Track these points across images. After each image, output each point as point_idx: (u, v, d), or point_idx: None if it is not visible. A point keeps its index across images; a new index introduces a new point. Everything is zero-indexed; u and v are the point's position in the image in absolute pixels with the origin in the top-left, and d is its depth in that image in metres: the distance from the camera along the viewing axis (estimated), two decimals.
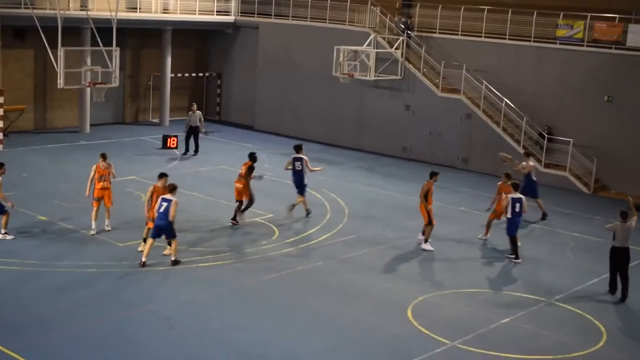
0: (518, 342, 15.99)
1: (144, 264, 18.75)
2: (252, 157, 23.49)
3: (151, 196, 19.53)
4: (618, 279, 18.82)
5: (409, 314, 17.04)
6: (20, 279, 17.76)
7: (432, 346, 15.49)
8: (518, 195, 20.96)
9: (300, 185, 24.08)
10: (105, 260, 19.16)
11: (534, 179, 25.52)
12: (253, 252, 20.55)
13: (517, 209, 20.76)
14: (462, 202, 26.91)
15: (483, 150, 32.04)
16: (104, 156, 21.31)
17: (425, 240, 21.55)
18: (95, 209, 21.21)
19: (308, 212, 24.07)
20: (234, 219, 22.88)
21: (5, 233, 20.15)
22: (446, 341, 15.72)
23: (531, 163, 25.70)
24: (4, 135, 31.69)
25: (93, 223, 21.19)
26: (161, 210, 18.61)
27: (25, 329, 15.18)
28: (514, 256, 21.05)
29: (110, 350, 14.56)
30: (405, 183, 29.38)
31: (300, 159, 23.93)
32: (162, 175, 19.81)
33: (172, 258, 19.03)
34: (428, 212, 21.29)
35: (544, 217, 25.40)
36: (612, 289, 18.92)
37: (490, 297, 18.46)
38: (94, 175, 21.09)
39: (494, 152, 31.25)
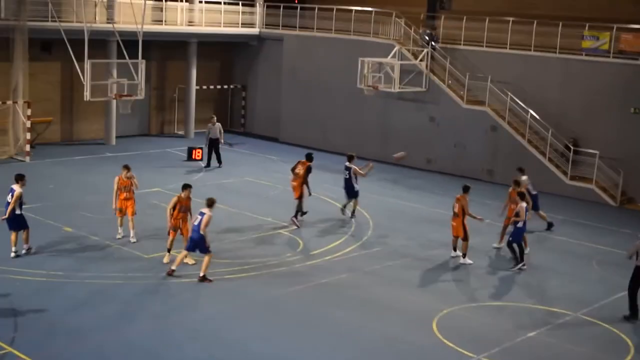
0: (543, 357, 15.87)
1: (172, 273, 18.78)
2: (309, 157, 24.71)
3: (174, 206, 19.62)
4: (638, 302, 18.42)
5: (434, 326, 16.96)
6: (46, 289, 17.87)
7: (456, 359, 15.40)
8: (525, 204, 21.11)
9: (349, 193, 25.29)
10: (130, 271, 19.23)
11: (533, 192, 25.10)
12: (277, 264, 20.55)
13: (526, 218, 21.06)
14: (486, 214, 26.69)
15: (508, 162, 31.85)
16: (127, 167, 21.51)
17: (464, 255, 21.52)
18: (119, 219, 21.50)
19: (352, 214, 25.35)
20: (294, 216, 24.14)
21: (29, 248, 20.18)
22: (472, 355, 15.62)
23: (524, 178, 25.33)
24: (31, 147, 31.97)
25: (119, 228, 21.63)
26: (196, 223, 18.56)
27: (50, 339, 15.27)
28: (522, 263, 21.11)
29: None
30: (430, 195, 29.31)
31: (349, 169, 25.04)
32: (186, 187, 19.88)
33: (201, 274, 18.79)
34: (465, 227, 21.29)
35: (550, 226, 25.44)
36: (634, 312, 18.13)
37: (516, 310, 18.34)
38: (117, 187, 21.32)
39: (520, 164, 31.16)
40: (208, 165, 32.05)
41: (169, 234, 19.89)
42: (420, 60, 33.79)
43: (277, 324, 16.78)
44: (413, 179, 32.34)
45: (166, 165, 32.24)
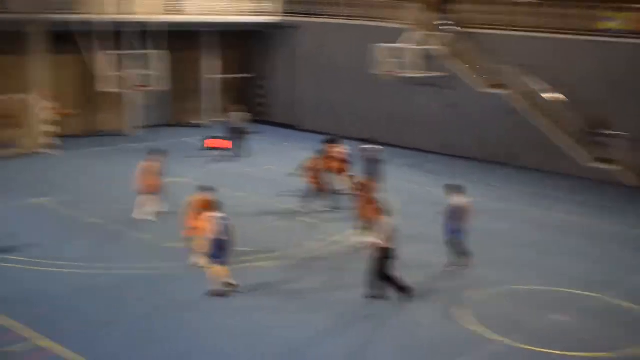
0: (569, 339, 15.90)
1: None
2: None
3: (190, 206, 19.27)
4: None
5: (457, 310, 17.08)
6: (73, 280, 18.16)
7: (480, 343, 15.54)
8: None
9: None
10: (157, 261, 19.43)
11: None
12: (299, 252, 20.69)
13: None
14: (509, 198, 26.85)
15: (529, 146, 31.88)
16: (156, 153, 22.61)
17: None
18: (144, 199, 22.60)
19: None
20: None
21: None
22: (495, 338, 15.74)
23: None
24: (55, 140, 32.20)
25: (143, 210, 22.53)
26: (222, 229, 17.50)
27: (84, 330, 15.56)
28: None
29: (158, 348, 14.91)
30: (448, 181, 29.16)
31: None
32: (204, 189, 19.30)
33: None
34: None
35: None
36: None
37: (540, 293, 18.41)
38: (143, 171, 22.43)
39: (539, 147, 31.24)
40: (229, 154, 32.19)
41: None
42: (438, 45, 33.75)
43: (299, 311, 16.95)
44: (432, 164, 32.38)
45: (186, 154, 32.38)
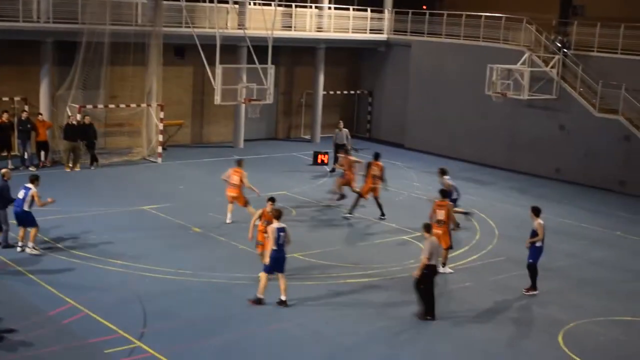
0: None
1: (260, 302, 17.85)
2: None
3: (259, 218, 19.10)
4: None
5: (560, 339, 16.53)
6: (174, 287, 18.39)
7: None
8: (542, 221, 19.32)
9: None
10: (256, 272, 19.46)
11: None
12: (401, 270, 20.46)
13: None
14: (618, 227, 25.96)
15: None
16: (237, 163, 23.59)
17: (443, 265, 20.17)
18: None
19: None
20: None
21: (33, 247, 20.12)
22: None
23: (447, 177, 23.87)
24: (163, 148, 32.94)
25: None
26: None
27: (177, 336, 15.71)
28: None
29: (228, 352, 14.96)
30: (557, 205, 28.54)
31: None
32: (270, 200, 19.10)
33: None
34: (450, 235, 20.26)
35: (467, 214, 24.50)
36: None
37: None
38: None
39: None
40: (333, 170, 32.24)
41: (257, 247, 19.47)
42: (551, 67, 33.04)
43: (400, 331, 16.73)
44: (540, 188, 31.62)
45: (292, 169, 32.62)
